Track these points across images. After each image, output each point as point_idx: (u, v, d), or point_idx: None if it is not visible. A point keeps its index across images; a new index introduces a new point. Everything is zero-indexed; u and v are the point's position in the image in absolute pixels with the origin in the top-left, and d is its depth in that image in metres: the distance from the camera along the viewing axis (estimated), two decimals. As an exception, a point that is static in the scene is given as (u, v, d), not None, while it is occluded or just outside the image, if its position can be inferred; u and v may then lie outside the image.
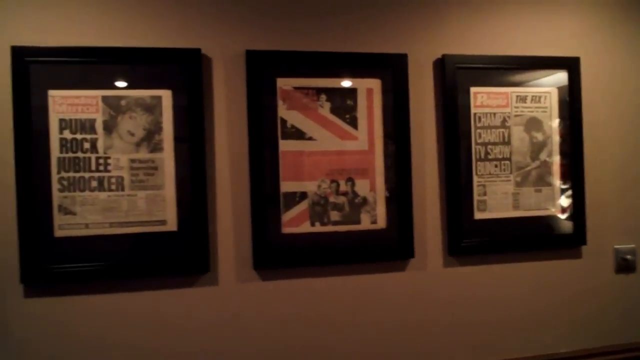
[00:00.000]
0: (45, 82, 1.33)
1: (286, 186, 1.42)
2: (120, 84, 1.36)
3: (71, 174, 1.34)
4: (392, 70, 1.47)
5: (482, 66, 1.51)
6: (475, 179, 1.51)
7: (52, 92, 1.33)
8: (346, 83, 1.45)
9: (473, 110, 1.51)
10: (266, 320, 1.45)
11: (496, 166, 1.52)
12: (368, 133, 1.46)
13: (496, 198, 1.52)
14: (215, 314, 1.41)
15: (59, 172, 1.33)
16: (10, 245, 1.31)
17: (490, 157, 1.52)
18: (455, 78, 1.49)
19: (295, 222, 1.43)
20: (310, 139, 1.43)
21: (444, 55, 1.50)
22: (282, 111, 1.42)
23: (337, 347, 1.46)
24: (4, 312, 1.31)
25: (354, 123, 1.45)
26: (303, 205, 1.43)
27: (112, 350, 1.38)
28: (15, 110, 1.31)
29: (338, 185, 1.45)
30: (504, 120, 1.54)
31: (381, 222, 1.46)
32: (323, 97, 1.44)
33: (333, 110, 1.44)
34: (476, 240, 1.50)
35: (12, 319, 1.35)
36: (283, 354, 1.43)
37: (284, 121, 1.42)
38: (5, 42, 1.31)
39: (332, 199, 1.44)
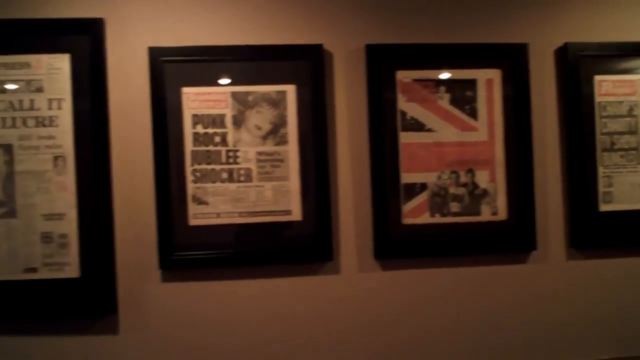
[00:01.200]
0: (179, 80, 1.43)
1: (406, 177, 1.47)
2: (248, 80, 1.44)
3: (203, 166, 1.43)
4: (512, 60, 1.48)
5: (606, 54, 1.50)
6: (600, 169, 1.49)
7: (185, 90, 1.43)
8: (466, 74, 1.47)
9: (597, 99, 1.50)
10: (386, 309, 1.51)
11: (622, 156, 1.50)
12: (488, 124, 1.48)
13: (623, 190, 1.50)
14: (337, 302, 1.47)
15: (192, 165, 1.43)
16: (149, 233, 1.41)
17: (616, 147, 1.50)
18: (578, 66, 1.48)
19: (415, 212, 1.47)
20: (429, 130, 1.47)
21: (566, 44, 1.50)
22: (402, 103, 1.47)
23: (456, 338, 1.51)
24: (145, 295, 1.42)
25: (473, 114, 1.48)
26: (423, 196, 1.47)
27: (238, 334, 1.49)
28: (153, 107, 1.42)
29: (458, 176, 1.47)
30: (631, 109, 1.51)
31: (502, 214, 1.48)
32: (442, 88, 1.47)
33: (452, 102, 1.47)
34: (601, 233, 1.49)
35: (151, 303, 1.47)
36: (402, 344, 1.51)
37: (403, 113, 1.47)
38: (143, 43, 1.42)
39: (452, 190, 1.47)
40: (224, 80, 1.44)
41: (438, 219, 1.47)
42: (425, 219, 1.47)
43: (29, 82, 1.38)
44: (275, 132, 1.44)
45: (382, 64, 1.46)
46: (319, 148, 1.45)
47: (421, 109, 1.47)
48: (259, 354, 1.49)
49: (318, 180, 1.45)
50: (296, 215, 1.44)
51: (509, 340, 1.50)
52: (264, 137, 1.44)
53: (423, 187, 1.47)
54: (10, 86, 1.38)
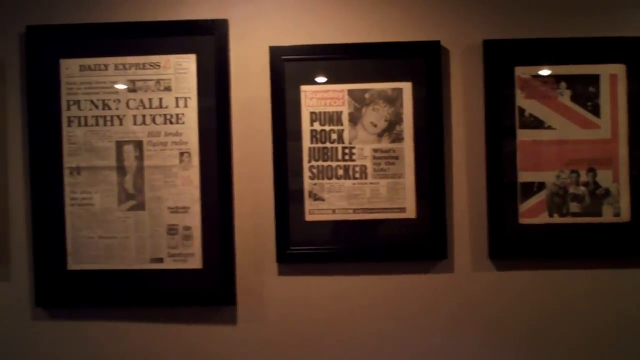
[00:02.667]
0: (298, 78, 1.50)
1: (524, 176, 1.48)
2: (365, 77, 1.51)
3: (320, 163, 1.50)
4: (638, 55, 1.46)
5: None
6: None
7: (304, 88, 1.50)
8: (588, 69, 1.47)
9: None
10: (501, 310, 1.53)
11: None
12: (611, 121, 1.47)
13: None
14: (450, 301, 1.50)
15: (309, 161, 1.50)
16: (267, 228, 1.49)
17: None
18: None
19: (532, 212, 1.48)
20: (549, 127, 1.48)
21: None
22: (520, 100, 1.48)
23: (576, 344, 1.52)
24: (262, 288, 1.50)
25: (595, 111, 1.47)
26: (541, 196, 1.48)
27: (350, 329, 1.56)
28: (273, 104, 1.50)
29: (578, 175, 1.47)
30: None
31: (625, 215, 1.47)
32: (563, 84, 1.47)
33: (573, 98, 1.47)
34: None
35: (267, 295, 1.56)
36: (516, 345, 1.51)
37: (522, 110, 1.48)
38: (264, 43, 1.50)
39: (571, 189, 1.47)
40: (341, 78, 1.49)
41: (557, 219, 1.48)
42: (543, 218, 1.48)
43: (158, 81, 1.49)
44: (391, 129, 1.49)
45: (499, 59, 1.48)
46: (434, 145, 1.48)
47: (540, 106, 1.48)
48: (370, 350, 1.54)
49: (433, 177, 1.48)
50: (410, 212, 1.49)
51: (633, 347, 1.48)
52: (380, 135, 1.49)
53: (541, 186, 1.48)
54: (141, 85, 1.48)
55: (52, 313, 1.54)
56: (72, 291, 1.52)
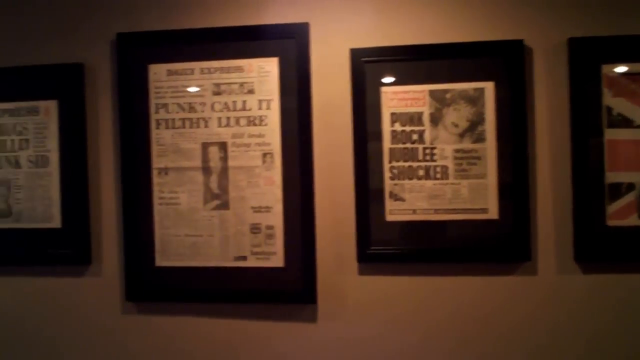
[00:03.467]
0: (378, 80, 1.53)
1: (612, 176, 1.46)
2: (446, 77, 1.53)
3: (401, 164, 1.53)
4: None
5: None
6: None
7: (384, 89, 1.53)
8: (682, 66, 1.44)
9: None
10: (587, 315, 1.53)
11: None
12: None
13: None
14: (533, 304, 1.50)
15: (390, 162, 1.53)
16: (348, 227, 1.54)
17: None
18: None
19: (621, 214, 1.46)
20: (639, 127, 1.45)
21: None
22: (607, 99, 1.47)
23: None
24: (342, 287, 1.55)
25: (689, 109, 1.44)
26: (630, 197, 1.46)
27: (428, 330, 1.60)
28: (354, 106, 1.53)
29: (670, 175, 1.44)
30: None
31: None
32: (654, 82, 1.44)
33: (665, 96, 1.44)
34: None
35: (348, 294, 1.61)
36: (602, 352, 1.50)
37: (609, 109, 1.47)
38: (345, 45, 1.54)
39: (664, 191, 1.44)
40: (422, 79, 1.51)
41: (647, 222, 1.45)
42: (632, 220, 1.47)
43: (242, 84, 1.56)
44: (473, 129, 1.50)
45: (585, 58, 1.48)
46: (517, 145, 1.49)
47: (630, 105, 1.47)
48: (450, 352, 1.57)
49: (516, 178, 1.49)
50: (492, 213, 1.50)
51: None
52: (461, 135, 1.50)
53: (630, 187, 1.47)
54: (225, 88, 1.55)
55: (141, 307, 1.62)
56: (159, 287, 1.60)
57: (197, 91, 1.57)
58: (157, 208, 1.59)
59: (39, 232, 1.64)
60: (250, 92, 1.55)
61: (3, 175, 1.65)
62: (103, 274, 1.64)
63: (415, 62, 1.54)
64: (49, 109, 1.63)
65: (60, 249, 1.63)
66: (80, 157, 1.62)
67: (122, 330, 1.63)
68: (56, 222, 1.63)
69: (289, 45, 1.54)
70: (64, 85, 1.62)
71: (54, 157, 1.63)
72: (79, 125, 1.62)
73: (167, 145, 1.58)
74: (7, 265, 1.70)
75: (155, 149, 1.59)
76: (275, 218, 1.55)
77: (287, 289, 1.56)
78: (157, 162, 1.59)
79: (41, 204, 1.63)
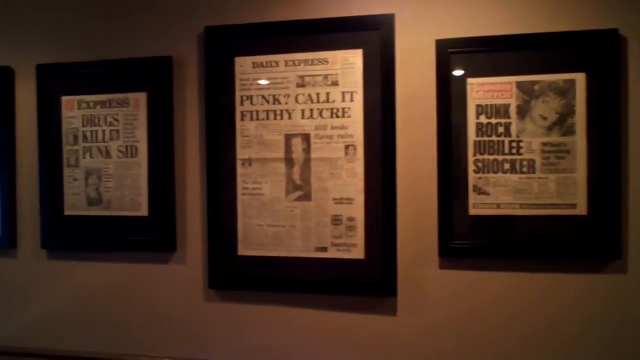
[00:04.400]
0: (464, 71, 1.64)
1: None
2: (534, 69, 1.60)
3: (486, 157, 1.63)
4: None
5: None
6: None
7: (470, 81, 1.64)
8: None
9: None
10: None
11: None
12: None
13: None
14: (623, 303, 1.56)
15: (474, 155, 1.63)
16: (430, 221, 1.65)
17: None
18: None
19: None
20: None
21: None
22: None
23: None
24: (423, 280, 1.67)
25: None
26: None
27: (510, 327, 1.68)
28: (438, 98, 1.64)
29: None
30: None
31: None
32: None
33: None
34: None
35: (428, 288, 1.71)
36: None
37: None
38: (430, 36, 1.65)
39: None
40: (509, 70, 1.61)
41: None
42: None
43: (326, 76, 1.70)
44: (562, 122, 1.59)
45: (685, 48, 1.52)
46: (610, 139, 1.56)
47: None
48: (531, 350, 1.64)
49: (608, 173, 1.56)
50: (582, 209, 1.58)
51: None
52: (550, 128, 1.60)
53: None
54: (310, 81, 1.71)
55: (223, 295, 1.80)
56: (241, 275, 1.77)
57: (282, 83, 1.72)
58: (241, 198, 1.76)
59: (127, 220, 1.84)
60: (334, 84, 1.70)
61: (95, 165, 1.86)
62: (187, 261, 1.82)
63: (503, 53, 1.63)
64: (139, 101, 1.83)
65: (147, 236, 1.82)
66: (167, 148, 1.80)
67: (204, 317, 1.81)
68: (144, 211, 1.83)
69: (374, 36, 1.68)
70: (153, 78, 1.81)
71: (143, 147, 1.82)
72: (166, 117, 1.80)
73: (252, 137, 1.75)
74: (96, 251, 1.89)
75: (239, 141, 1.76)
76: (357, 210, 1.69)
77: (368, 281, 1.69)
78: (241, 154, 1.76)
79: (130, 193, 1.84)
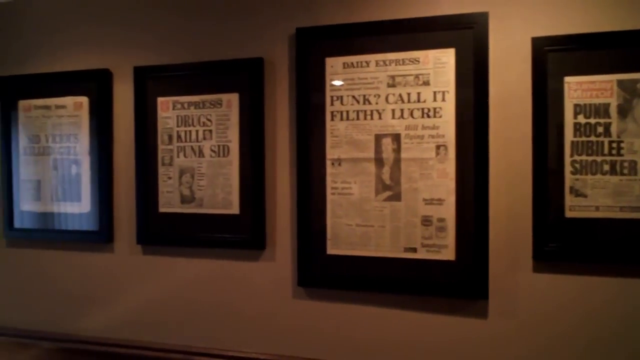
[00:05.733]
0: (561, 70, 1.77)
1: None
2: (636, 67, 1.68)
3: (584, 158, 1.76)
4: None
5: None
6: None
7: (567, 79, 1.78)
8: None
9: None
10: None
11: None
12: None
13: None
14: None
15: (571, 155, 1.77)
16: (524, 222, 1.80)
17: None
18: None
19: None
20: None
21: None
22: None
23: None
24: (515, 283, 1.81)
25: None
26: None
27: (612, 333, 1.77)
28: (534, 97, 1.77)
29: None
30: None
31: None
32: None
33: None
34: None
35: (521, 291, 1.83)
36: None
37: None
38: (526, 34, 1.78)
39: None
40: (609, 68, 1.75)
41: None
42: None
43: (417, 76, 1.90)
44: (667, 122, 1.70)
45: None
46: None
47: None
48: (632, 357, 1.71)
49: None
50: (687, 212, 1.68)
51: None
52: (657, 128, 1.70)
53: None
54: (400, 80, 1.91)
55: (311, 293, 2.03)
56: (329, 274, 2.00)
57: (372, 83, 1.95)
58: (330, 198, 2.00)
59: (219, 218, 2.11)
60: (426, 83, 1.90)
61: (188, 164, 2.15)
62: (276, 259, 2.07)
63: (602, 50, 1.75)
64: (231, 101, 2.10)
65: (237, 234, 2.09)
66: (258, 147, 2.05)
67: (293, 313, 2.04)
68: (234, 209, 2.10)
69: (467, 35, 1.85)
70: (245, 78, 2.06)
71: (235, 146, 2.09)
72: (257, 117, 2.05)
73: (341, 137, 1.98)
74: (188, 247, 2.14)
75: (329, 141, 1.99)
76: (448, 210, 1.88)
77: (458, 282, 1.86)
78: (331, 153, 1.99)
79: (221, 191, 2.11)
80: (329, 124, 1.88)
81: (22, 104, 2.29)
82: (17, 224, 2.30)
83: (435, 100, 1.78)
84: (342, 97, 1.87)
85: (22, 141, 2.30)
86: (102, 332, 2.25)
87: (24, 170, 2.28)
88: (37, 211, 2.27)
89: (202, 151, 2.01)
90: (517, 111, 1.74)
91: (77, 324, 2.28)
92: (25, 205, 2.28)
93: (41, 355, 2.21)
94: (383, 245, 1.84)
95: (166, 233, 2.09)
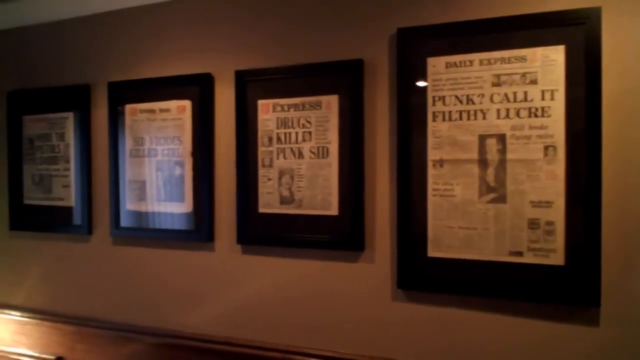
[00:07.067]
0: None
1: None
2: None
3: None
4: None
5: None
6: None
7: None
8: None
9: None
10: None
11: None
12: None
13: None
14: None
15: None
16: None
17: None
18: None
19: None
20: None
21: None
22: None
23: None
24: (629, 290, 1.73)
25: None
26: None
27: None
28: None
29: None
30: None
31: None
32: None
33: None
34: None
35: (636, 298, 1.77)
36: None
37: None
38: (642, 28, 1.70)
39: None
40: None
41: None
42: None
43: (523, 74, 1.85)
44: None
45: None
46: None
47: None
48: None
49: None
50: None
51: None
52: None
53: None
54: (506, 79, 1.87)
55: (411, 295, 2.02)
56: (430, 277, 1.98)
57: (476, 83, 1.93)
58: (431, 199, 1.99)
59: (318, 219, 2.14)
60: (533, 82, 1.85)
61: (288, 165, 2.20)
62: (375, 260, 2.07)
63: None
64: (331, 103, 2.13)
65: (336, 235, 2.11)
66: (357, 149, 2.06)
67: (391, 316, 2.04)
68: (334, 210, 2.13)
69: (578, 31, 1.79)
70: (344, 80, 2.09)
71: (334, 148, 2.12)
72: (357, 118, 2.07)
73: (443, 138, 1.97)
74: (287, 247, 2.20)
75: (431, 141, 1.98)
76: (556, 213, 1.83)
77: (567, 288, 1.80)
78: (432, 154, 1.98)
79: (321, 192, 2.15)
80: (430, 124, 1.88)
81: (129, 108, 2.40)
82: (123, 223, 2.41)
83: (543, 99, 1.75)
84: (444, 97, 1.87)
85: (128, 144, 2.40)
86: (201, 329, 2.35)
87: (130, 171, 2.40)
88: (141, 211, 2.36)
89: (301, 153, 2.06)
90: (634, 110, 1.67)
91: (178, 320, 2.39)
92: (131, 205, 2.40)
93: (144, 349, 2.32)
94: (487, 249, 1.82)
95: (265, 233, 2.15)
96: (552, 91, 1.74)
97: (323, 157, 2.03)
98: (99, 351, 2.42)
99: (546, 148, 1.75)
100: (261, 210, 2.14)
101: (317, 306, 2.14)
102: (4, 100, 2.76)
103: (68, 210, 2.57)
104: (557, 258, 1.76)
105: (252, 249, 2.20)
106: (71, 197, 2.57)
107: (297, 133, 2.07)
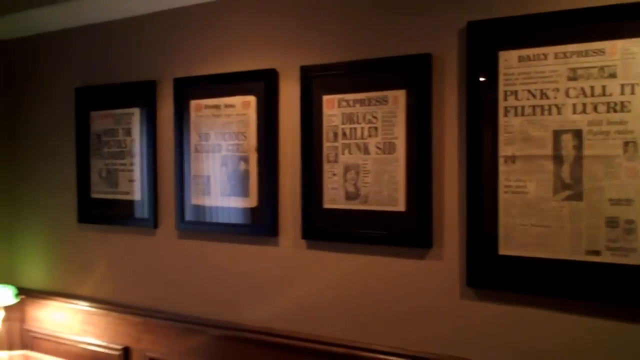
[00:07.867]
0: None
1: None
2: None
3: None
4: None
5: None
6: None
7: None
8: None
9: None
10: None
11: None
12: None
13: None
14: None
15: None
16: None
17: None
18: None
19: None
20: None
21: None
22: None
23: None
24: None
25: None
26: None
27: None
28: None
29: None
30: None
31: None
32: None
33: None
34: None
35: None
36: None
37: None
38: None
39: None
40: None
41: None
42: None
43: (601, 68, 1.78)
44: None
45: None
46: None
47: None
48: None
49: None
50: None
51: None
52: None
53: None
54: (582, 73, 1.80)
55: (481, 294, 1.99)
56: (501, 275, 1.94)
57: (550, 77, 1.87)
58: (502, 196, 1.94)
59: (384, 215, 2.13)
60: (612, 76, 1.78)
61: (353, 161, 2.19)
62: (443, 258, 2.05)
63: None
64: (398, 98, 2.10)
65: (403, 231, 2.10)
66: (425, 144, 2.03)
67: (460, 314, 2.01)
68: (400, 206, 2.11)
69: (662, 23, 1.71)
70: (412, 75, 2.05)
71: (401, 144, 2.10)
72: (425, 113, 2.03)
73: (515, 133, 1.92)
74: (352, 243, 2.20)
75: (502, 137, 1.93)
76: (637, 212, 1.75)
77: (646, 290, 1.74)
78: (504, 150, 1.94)
79: (387, 188, 2.13)
80: (502, 119, 1.85)
81: (194, 103, 2.43)
82: (188, 217, 2.45)
83: (622, 93, 1.69)
84: (516, 91, 1.83)
85: (193, 139, 2.44)
86: (265, 322, 2.37)
87: (195, 166, 2.44)
88: (206, 205, 2.40)
89: (367, 148, 2.05)
90: None
91: (242, 313, 2.43)
92: (196, 199, 2.43)
93: (209, 341, 2.36)
94: (561, 247, 1.78)
95: (330, 229, 2.16)
96: (633, 85, 1.69)
97: (389, 153, 2.02)
98: (164, 342, 2.47)
99: (626, 144, 1.70)
100: (326, 205, 2.15)
101: (383, 302, 2.14)
102: (72, 96, 2.81)
103: (133, 203, 2.63)
104: (638, 258, 1.69)
105: (317, 244, 2.20)
106: (137, 191, 2.61)
107: (362, 128, 2.07)
